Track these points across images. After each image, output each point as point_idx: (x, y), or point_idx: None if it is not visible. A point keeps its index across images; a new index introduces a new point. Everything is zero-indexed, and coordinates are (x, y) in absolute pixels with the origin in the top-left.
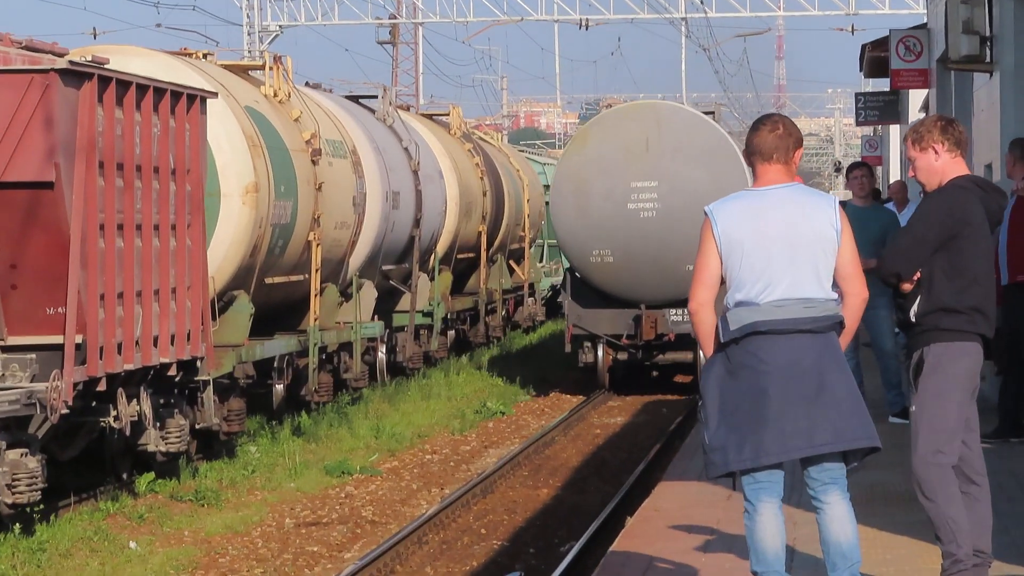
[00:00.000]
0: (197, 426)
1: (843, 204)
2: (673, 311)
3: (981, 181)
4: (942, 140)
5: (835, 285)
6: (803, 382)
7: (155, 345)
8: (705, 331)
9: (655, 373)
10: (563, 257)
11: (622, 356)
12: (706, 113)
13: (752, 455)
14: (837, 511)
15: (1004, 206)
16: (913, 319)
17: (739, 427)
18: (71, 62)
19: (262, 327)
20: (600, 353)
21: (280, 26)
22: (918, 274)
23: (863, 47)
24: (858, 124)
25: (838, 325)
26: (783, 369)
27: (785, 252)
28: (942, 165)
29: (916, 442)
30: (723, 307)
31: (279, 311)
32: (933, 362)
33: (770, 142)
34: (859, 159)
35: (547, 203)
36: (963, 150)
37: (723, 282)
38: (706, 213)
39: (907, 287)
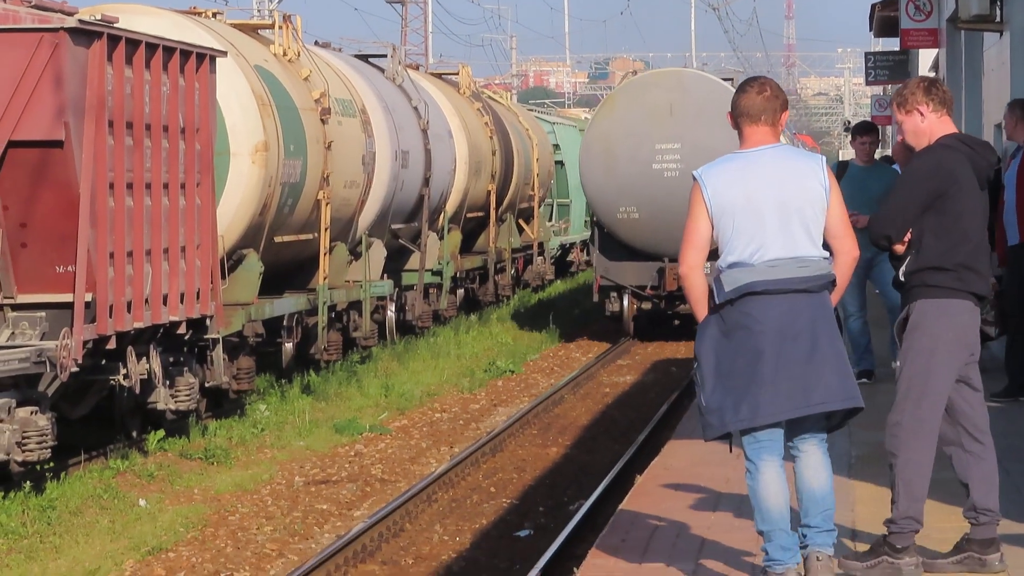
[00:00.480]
0: (207, 384)
1: (845, 164)
2: None
3: (969, 139)
4: (926, 101)
5: (825, 244)
6: (798, 342)
7: (164, 303)
8: (697, 294)
9: (676, 322)
10: (591, 213)
11: (646, 306)
12: (725, 80)
13: (749, 415)
14: (813, 459)
15: (993, 163)
16: (902, 279)
17: (735, 388)
18: (80, 21)
19: (271, 286)
20: (625, 303)
21: None
22: (909, 234)
23: (873, 6)
24: (868, 84)
25: (831, 284)
26: (778, 329)
27: (776, 212)
28: (928, 126)
29: (896, 398)
30: (716, 269)
31: (288, 270)
32: (917, 319)
33: (759, 104)
34: (868, 119)
35: (558, 163)
36: (948, 109)
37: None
38: (695, 177)
39: (899, 249)
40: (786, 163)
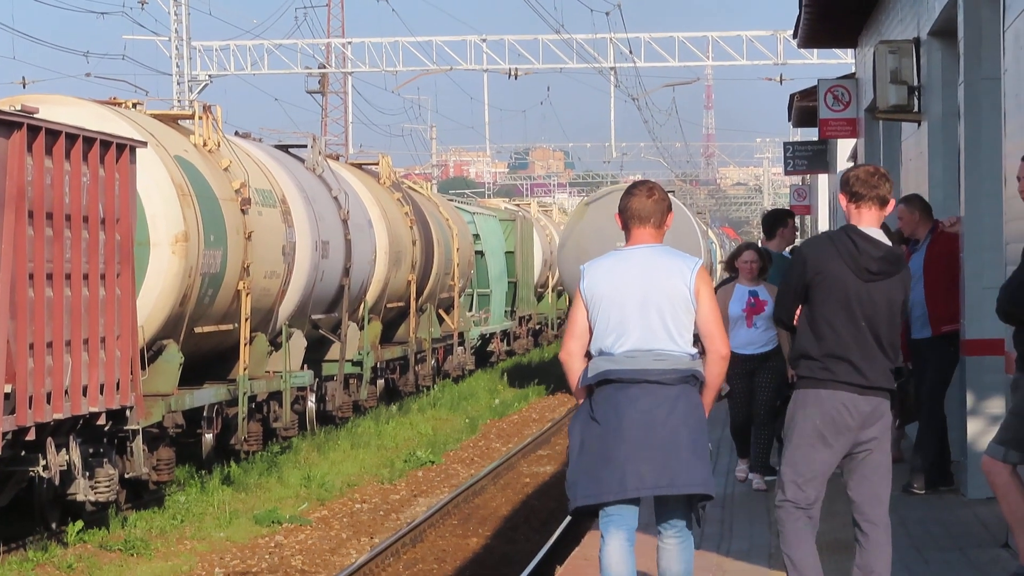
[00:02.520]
0: (126, 475)
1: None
2: None
3: (854, 232)
4: (841, 193)
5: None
6: (648, 429)
7: (84, 394)
8: (574, 378)
9: None
10: (567, 296)
11: None
12: (668, 192)
13: (595, 492)
14: (670, 544)
15: (880, 257)
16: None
17: (589, 466)
18: (0, 111)
19: (191, 376)
20: None
21: (209, 75)
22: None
23: (792, 96)
24: (787, 173)
25: (691, 378)
26: (630, 416)
27: (638, 307)
28: (848, 214)
29: (780, 480)
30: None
31: (209, 360)
32: (791, 408)
33: (648, 207)
34: (787, 207)
35: (478, 253)
36: (863, 200)
37: None
38: (581, 270)
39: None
40: (654, 262)
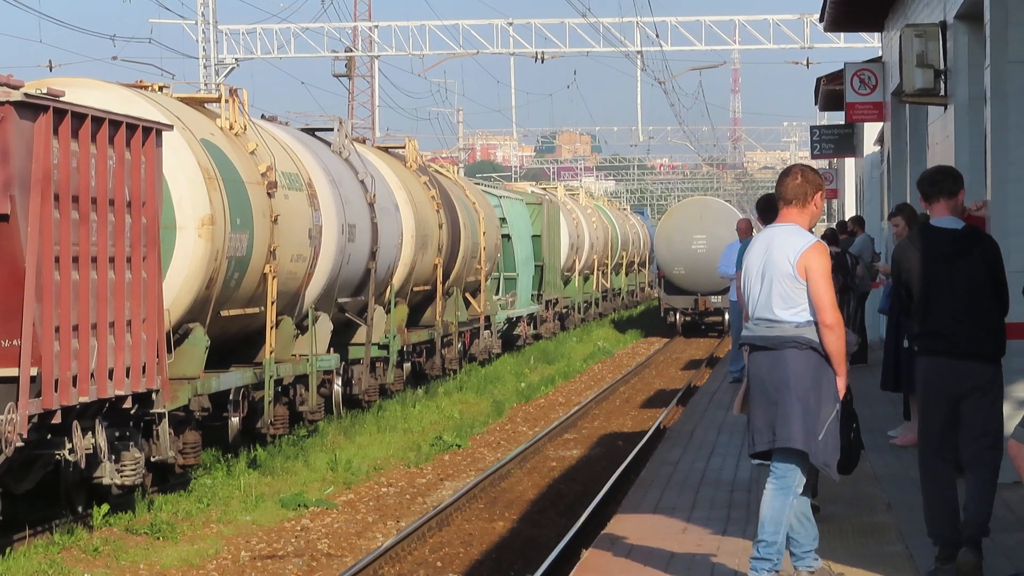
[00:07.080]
0: (152, 459)
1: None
2: (712, 296)
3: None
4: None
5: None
6: (761, 389)
7: (110, 378)
8: None
9: (703, 327)
10: (658, 269)
11: (687, 318)
12: (727, 201)
13: (749, 444)
14: (767, 492)
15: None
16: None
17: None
18: (26, 94)
19: (218, 359)
20: (676, 317)
21: (236, 59)
22: None
23: (818, 80)
24: (813, 157)
25: (798, 343)
26: (753, 376)
27: (759, 280)
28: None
29: None
30: None
31: (235, 343)
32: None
33: (789, 188)
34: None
35: (504, 236)
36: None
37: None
38: None
39: None
40: (775, 240)
